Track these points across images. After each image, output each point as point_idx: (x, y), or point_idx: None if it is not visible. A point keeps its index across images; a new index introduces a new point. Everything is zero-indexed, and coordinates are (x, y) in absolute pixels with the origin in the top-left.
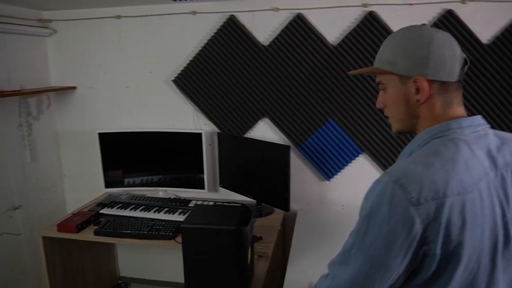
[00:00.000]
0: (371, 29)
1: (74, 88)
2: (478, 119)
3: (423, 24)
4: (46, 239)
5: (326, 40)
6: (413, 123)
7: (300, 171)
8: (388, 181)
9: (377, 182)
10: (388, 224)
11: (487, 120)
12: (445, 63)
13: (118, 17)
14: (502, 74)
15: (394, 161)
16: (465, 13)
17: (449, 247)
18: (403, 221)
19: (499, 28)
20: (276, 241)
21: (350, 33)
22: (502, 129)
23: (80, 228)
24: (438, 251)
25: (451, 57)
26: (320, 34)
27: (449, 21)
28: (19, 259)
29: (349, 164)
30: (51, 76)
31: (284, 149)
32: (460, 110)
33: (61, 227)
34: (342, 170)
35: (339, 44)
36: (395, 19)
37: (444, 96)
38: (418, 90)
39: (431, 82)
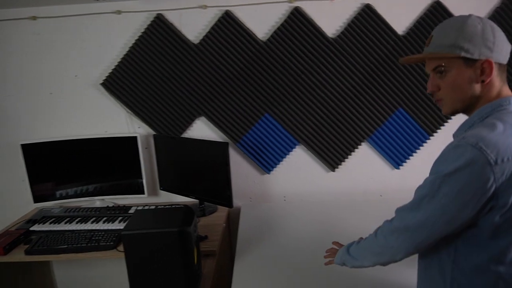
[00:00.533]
0: (298, 24)
1: None
2: None
3: (471, 14)
4: None
5: (256, 36)
6: (472, 102)
7: (241, 167)
8: (467, 145)
9: (455, 147)
10: (465, 181)
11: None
12: (503, 47)
13: (34, 18)
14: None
15: (328, 150)
16: (382, 7)
17: None
18: (479, 178)
19: (412, 20)
20: (221, 238)
21: (278, 28)
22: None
23: (8, 249)
24: (507, 205)
25: (507, 42)
26: (250, 30)
27: (367, 14)
28: None
29: (287, 156)
30: None
31: (223, 146)
32: (508, 88)
33: None
34: (280, 162)
35: (268, 39)
36: (319, 14)
37: (501, 76)
38: (483, 72)
39: (494, 64)
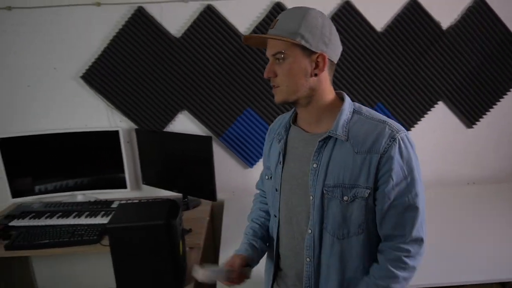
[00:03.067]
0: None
1: None
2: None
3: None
4: None
5: (238, 30)
6: (306, 95)
7: (224, 161)
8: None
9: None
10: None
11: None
12: (337, 47)
13: (9, 8)
14: (395, 59)
15: None
16: (360, 4)
17: None
18: None
19: (390, 17)
20: (206, 231)
21: (260, 23)
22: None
23: None
24: None
25: (339, 43)
26: (232, 25)
27: (347, 11)
28: None
29: None
30: None
31: (206, 140)
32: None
33: None
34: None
35: (250, 34)
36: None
37: (330, 75)
38: (317, 65)
39: (327, 60)
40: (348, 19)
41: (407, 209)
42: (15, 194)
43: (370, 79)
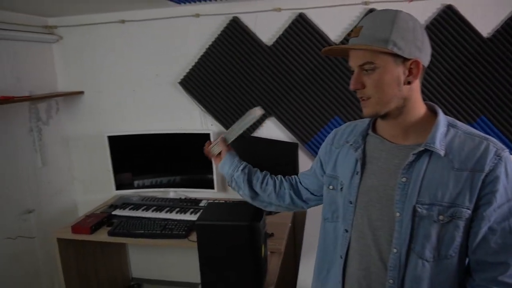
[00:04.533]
0: None
1: (81, 93)
2: None
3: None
4: (61, 241)
5: (329, 38)
6: (398, 105)
7: (308, 168)
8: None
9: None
10: None
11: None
12: (429, 49)
13: (123, 21)
14: (504, 67)
15: None
16: (465, 8)
17: None
18: None
19: (499, 21)
20: (287, 237)
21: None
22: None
23: (94, 229)
24: None
25: (429, 45)
26: (323, 33)
27: (449, 16)
28: (32, 261)
29: None
30: (58, 82)
31: (292, 147)
32: None
33: (75, 228)
34: None
35: (341, 42)
36: None
37: (421, 82)
38: (410, 72)
39: (421, 65)
40: (449, 25)
41: (509, 235)
42: (118, 187)
43: (473, 89)
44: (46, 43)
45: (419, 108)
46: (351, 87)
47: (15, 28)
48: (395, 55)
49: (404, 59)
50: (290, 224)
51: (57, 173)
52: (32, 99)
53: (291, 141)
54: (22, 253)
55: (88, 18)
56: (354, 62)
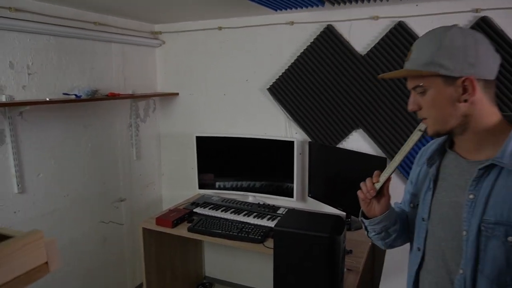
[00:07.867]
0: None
1: (176, 94)
2: None
3: (455, 25)
4: (145, 231)
5: None
6: (460, 123)
7: (393, 184)
8: None
9: None
10: None
11: None
12: (489, 61)
13: (220, 28)
14: None
15: None
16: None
17: None
18: None
19: None
20: (366, 256)
21: None
22: None
23: (175, 223)
24: None
25: (493, 55)
26: None
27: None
28: (120, 246)
29: None
30: (157, 83)
31: (380, 161)
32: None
33: (159, 221)
34: None
35: None
36: (510, 24)
37: (488, 93)
38: (465, 90)
39: (477, 81)
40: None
41: None
42: (200, 186)
43: None
44: (151, 47)
45: (488, 120)
46: (408, 108)
47: (126, 33)
48: (444, 76)
49: (455, 78)
50: (370, 243)
51: (148, 167)
52: (134, 97)
53: (377, 154)
54: (111, 237)
55: (188, 25)
56: (408, 84)
